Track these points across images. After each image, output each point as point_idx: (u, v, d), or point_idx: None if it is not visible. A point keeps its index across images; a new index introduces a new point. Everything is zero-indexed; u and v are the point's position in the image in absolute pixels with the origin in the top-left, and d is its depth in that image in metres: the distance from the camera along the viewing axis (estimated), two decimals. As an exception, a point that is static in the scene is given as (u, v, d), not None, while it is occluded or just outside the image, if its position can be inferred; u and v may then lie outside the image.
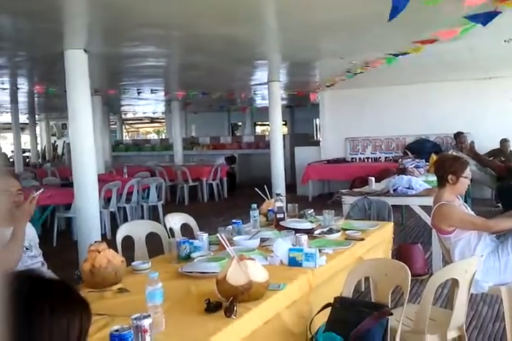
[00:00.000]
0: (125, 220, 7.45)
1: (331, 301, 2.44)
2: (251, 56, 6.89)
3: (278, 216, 3.83)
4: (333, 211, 3.94)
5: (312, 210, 4.23)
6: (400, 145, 10.73)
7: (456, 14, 4.19)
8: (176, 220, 4.02)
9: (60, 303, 1.12)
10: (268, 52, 6.81)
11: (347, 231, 3.64)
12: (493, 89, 9.77)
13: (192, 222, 4.15)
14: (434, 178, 4.42)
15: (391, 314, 2.30)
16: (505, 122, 9.55)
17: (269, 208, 4.13)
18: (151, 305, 1.96)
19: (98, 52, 5.87)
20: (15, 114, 13.26)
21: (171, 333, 1.92)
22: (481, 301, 4.09)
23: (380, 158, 11.06)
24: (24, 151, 16.17)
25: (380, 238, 3.84)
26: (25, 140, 17.46)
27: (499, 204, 7.88)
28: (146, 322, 1.74)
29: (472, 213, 3.43)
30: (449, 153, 7.82)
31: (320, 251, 2.95)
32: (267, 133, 15.22)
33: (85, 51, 5.49)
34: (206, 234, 3.26)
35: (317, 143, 12.60)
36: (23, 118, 15.68)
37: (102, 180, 6.84)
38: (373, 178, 6.05)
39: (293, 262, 2.79)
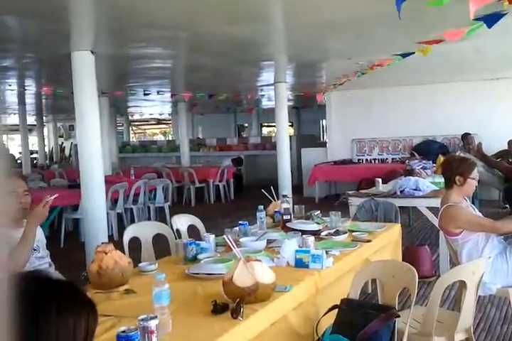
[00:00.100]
0: (132, 221, 7.47)
1: (338, 303, 2.43)
2: (257, 57, 6.89)
3: (285, 217, 3.83)
4: (339, 212, 3.93)
5: (319, 212, 4.22)
6: (406, 147, 10.69)
7: (462, 15, 4.17)
8: (182, 221, 4.03)
9: (67, 304, 1.12)
10: (274, 53, 6.81)
11: (354, 233, 3.63)
12: (501, 90, 9.73)
13: (199, 223, 4.15)
14: (441, 179, 4.41)
15: (398, 316, 2.28)
16: (513, 123, 9.51)
17: (276, 209, 4.12)
18: (157, 306, 1.96)
19: (105, 53, 5.89)
20: (22, 116, 13.33)
21: (177, 334, 1.92)
22: (488, 303, 4.07)
23: (386, 159, 11.03)
24: (32, 153, 16.26)
25: (387, 239, 3.82)
26: (33, 141, 17.55)
27: (507, 206, 7.83)
28: (152, 323, 1.74)
29: (480, 214, 3.41)
30: (457, 154, 7.78)
31: (327, 252, 2.95)
32: (274, 135, 15.23)
33: (92, 52, 5.51)
34: (213, 236, 3.26)
35: (324, 145, 12.59)
36: (31, 119, 15.76)
37: (109, 181, 6.86)
38: (380, 179, 6.03)
39: (300, 264, 2.79)
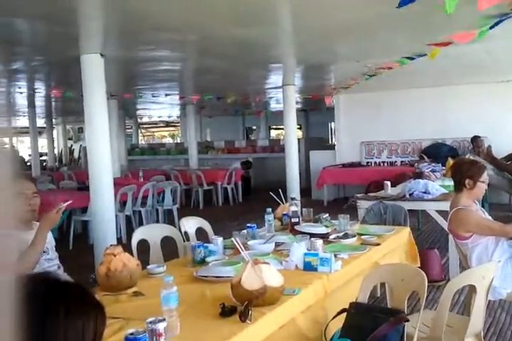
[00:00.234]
0: (140, 224, 7.48)
1: (347, 307, 2.42)
2: (266, 59, 6.90)
3: (293, 220, 3.82)
4: (348, 215, 3.91)
5: (327, 215, 4.21)
6: (416, 150, 10.65)
7: (471, 17, 4.16)
8: (191, 224, 4.03)
9: (76, 306, 1.12)
10: (283, 55, 6.81)
11: (362, 236, 3.61)
12: (512, 93, 9.67)
13: (207, 226, 4.15)
14: (450, 183, 4.37)
15: (407, 320, 2.27)
16: (524, 126, 9.45)
17: (284, 212, 4.12)
18: (166, 308, 1.96)
19: (114, 56, 5.92)
20: (32, 118, 13.42)
21: (185, 337, 1.92)
22: (499, 308, 4.03)
23: (395, 162, 10.99)
24: (41, 155, 16.37)
25: (396, 243, 3.80)
26: (43, 144, 17.66)
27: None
28: (160, 326, 1.74)
29: (490, 218, 3.38)
30: (466, 157, 7.74)
31: (335, 255, 2.93)
32: (282, 137, 15.23)
33: (101, 55, 5.54)
34: (221, 238, 3.26)
35: (332, 147, 12.57)
36: (41, 122, 15.86)
37: (117, 183, 6.88)
38: (389, 182, 6.00)
39: (308, 267, 2.78)
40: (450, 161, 6.87)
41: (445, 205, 4.01)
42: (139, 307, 2.26)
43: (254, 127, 20.43)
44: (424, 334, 2.53)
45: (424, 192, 5.25)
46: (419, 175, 6.54)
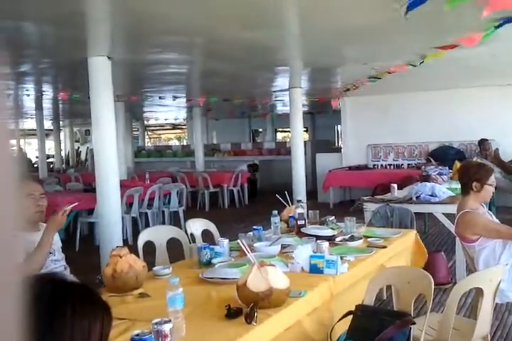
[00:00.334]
0: (147, 226, 7.49)
1: (353, 309, 2.41)
2: (273, 62, 6.90)
3: (299, 222, 3.81)
4: (354, 218, 3.91)
5: (333, 217, 4.20)
6: (422, 152, 10.62)
7: (478, 19, 4.14)
8: (197, 226, 4.03)
9: (82, 306, 1.12)
10: (290, 58, 6.81)
11: (369, 239, 3.60)
12: (519, 96, 9.63)
13: (213, 227, 4.15)
14: (457, 186, 4.36)
15: (414, 323, 2.26)
16: (531, 129, 9.40)
17: (290, 215, 4.11)
18: (171, 310, 1.96)
19: (121, 59, 5.94)
20: (39, 120, 13.49)
21: (191, 338, 1.92)
22: (506, 311, 4.01)
23: (402, 165, 10.96)
24: (48, 157, 16.45)
25: (403, 246, 3.79)
26: (50, 146, 17.74)
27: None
28: (166, 327, 1.74)
29: (497, 221, 3.37)
30: (473, 160, 7.70)
31: (341, 258, 2.93)
32: (288, 140, 15.23)
33: (108, 58, 5.56)
34: (227, 240, 3.26)
35: (338, 150, 12.55)
36: (48, 124, 15.94)
37: (124, 185, 6.90)
38: (395, 185, 5.99)
39: (314, 269, 2.77)
40: (457, 164, 6.85)
41: (452, 208, 4.00)
42: (145, 308, 2.26)
43: (261, 130, 20.44)
44: (431, 337, 2.51)
45: (431, 195, 5.23)
46: (426, 178, 6.52)
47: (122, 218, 6.17)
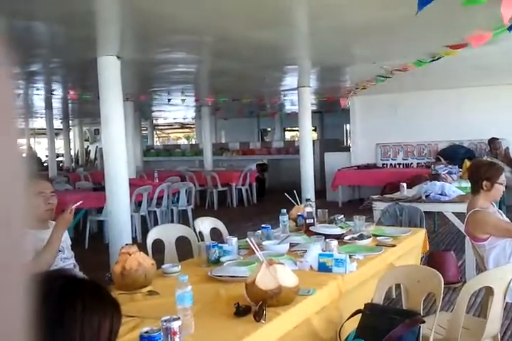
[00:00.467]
0: (155, 224, 7.52)
1: (361, 308, 2.41)
2: (281, 61, 6.89)
3: (308, 221, 3.81)
4: (363, 217, 3.89)
5: (342, 216, 4.19)
6: (432, 151, 10.56)
7: (490, 18, 4.12)
8: (205, 224, 4.04)
9: (92, 302, 1.13)
10: (298, 57, 6.80)
11: (378, 238, 3.59)
12: (530, 94, 9.56)
13: (221, 226, 4.16)
14: (467, 184, 4.34)
15: (423, 322, 2.25)
16: (542, 128, 9.33)
17: (299, 213, 4.11)
18: (180, 307, 1.97)
19: (130, 58, 5.96)
20: (49, 120, 13.57)
21: (200, 336, 1.92)
22: (516, 310, 3.98)
23: (411, 163, 10.91)
24: (58, 156, 16.53)
25: (412, 244, 3.77)
26: (59, 145, 17.83)
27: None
28: (175, 325, 1.74)
29: (507, 220, 3.34)
30: (484, 159, 7.66)
31: (350, 256, 2.92)
32: (297, 139, 15.22)
33: (118, 57, 5.58)
34: (235, 239, 3.26)
35: (347, 149, 12.52)
36: (57, 123, 16.03)
37: (133, 184, 6.93)
38: (405, 184, 5.96)
39: (323, 268, 2.77)
40: (467, 163, 6.81)
41: (462, 207, 3.98)
42: (154, 305, 2.27)
43: (269, 129, 20.43)
44: (440, 336, 2.51)
45: (441, 194, 5.21)
46: (436, 177, 6.49)
47: (131, 216, 6.20)
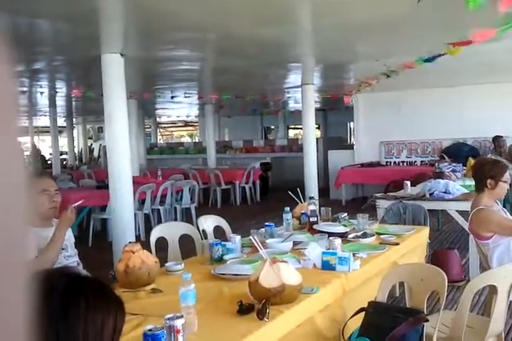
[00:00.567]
0: (159, 222, 7.53)
1: (365, 306, 2.40)
2: (285, 59, 6.89)
3: (311, 219, 3.80)
4: (367, 215, 3.89)
5: (346, 214, 4.18)
6: (436, 149, 10.54)
7: (494, 15, 4.09)
8: (208, 222, 4.04)
9: (96, 299, 1.13)
10: (302, 54, 6.79)
11: (381, 236, 3.58)
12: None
13: (224, 224, 4.16)
14: (471, 182, 4.32)
15: (427, 320, 2.24)
16: (546, 126, 9.29)
17: (303, 211, 4.10)
18: (184, 305, 1.97)
19: (134, 56, 5.96)
20: (53, 118, 13.61)
21: (203, 334, 1.92)
22: (520, 309, 3.97)
23: (415, 161, 10.89)
24: (62, 154, 16.57)
25: (416, 243, 3.76)
26: (63, 143, 17.87)
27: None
28: (178, 323, 1.74)
29: (511, 218, 3.33)
30: (488, 157, 7.63)
31: (354, 255, 2.91)
32: (300, 137, 15.22)
33: (121, 55, 5.58)
34: (239, 237, 3.26)
35: (351, 147, 12.50)
36: (61, 121, 16.07)
37: (136, 182, 6.93)
38: (409, 182, 5.95)
39: (326, 266, 2.76)
40: (471, 161, 6.80)
41: (466, 205, 3.96)
42: (157, 303, 2.27)
43: (273, 127, 20.42)
44: (444, 334, 2.50)
45: (445, 192, 5.20)
46: (440, 175, 6.47)
47: (135, 214, 6.21)
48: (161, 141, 23.31)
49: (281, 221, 3.92)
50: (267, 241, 3.32)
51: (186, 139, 27.19)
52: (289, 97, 12.18)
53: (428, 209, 4.83)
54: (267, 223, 3.67)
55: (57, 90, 9.60)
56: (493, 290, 2.54)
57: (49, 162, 17.09)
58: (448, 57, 6.02)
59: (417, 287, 2.55)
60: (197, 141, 21.06)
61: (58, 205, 2.80)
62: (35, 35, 5.17)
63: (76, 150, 19.35)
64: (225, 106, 13.91)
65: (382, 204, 5.16)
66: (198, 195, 9.24)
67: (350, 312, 2.46)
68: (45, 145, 22.37)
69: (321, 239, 3.28)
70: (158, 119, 20.36)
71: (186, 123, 23.82)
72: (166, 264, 2.86)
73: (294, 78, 8.88)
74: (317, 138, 11.51)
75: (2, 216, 0.38)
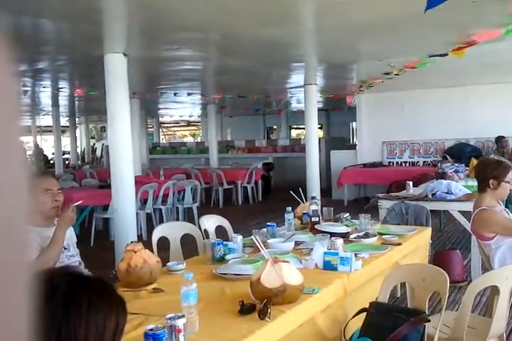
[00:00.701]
0: (161, 221, 7.53)
1: (366, 306, 2.40)
2: (288, 59, 6.89)
3: (313, 219, 3.80)
4: (369, 215, 3.88)
5: (348, 214, 4.18)
6: (438, 150, 10.53)
7: (498, 15, 4.09)
8: (210, 222, 4.04)
9: (98, 299, 1.13)
10: (305, 54, 6.79)
11: (383, 236, 3.58)
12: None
13: (226, 224, 4.16)
14: (474, 183, 4.32)
15: (428, 321, 2.24)
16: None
17: (304, 211, 4.10)
18: (185, 305, 1.97)
19: (137, 55, 5.97)
20: (56, 117, 13.62)
21: (204, 334, 1.92)
22: (522, 310, 3.96)
23: (418, 162, 10.88)
24: (64, 153, 16.58)
25: (418, 243, 3.76)
26: (66, 142, 17.90)
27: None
28: (180, 322, 1.74)
29: (514, 219, 3.33)
30: (491, 157, 7.62)
31: (356, 255, 2.91)
32: (303, 137, 15.22)
33: (124, 55, 5.59)
34: (240, 236, 3.26)
35: (353, 147, 12.49)
36: (64, 121, 16.09)
37: (139, 182, 6.94)
38: (411, 183, 5.94)
39: (328, 266, 2.76)
40: (474, 161, 6.79)
41: (468, 206, 3.96)
42: (159, 303, 2.27)
43: (275, 127, 20.42)
44: (446, 335, 2.50)
45: (447, 193, 5.19)
46: (442, 176, 6.47)
47: (137, 214, 6.21)
48: (164, 141, 23.34)
49: (283, 221, 3.92)
50: (269, 241, 3.32)
51: (189, 139, 27.20)
52: (291, 97, 12.17)
53: (430, 210, 4.82)
54: (268, 223, 3.67)
55: (60, 90, 9.61)
56: (494, 290, 2.54)
57: (51, 161, 17.13)
58: (451, 57, 6.03)
59: (418, 287, 2.54)
60: (199, 140, 21.07)
61: (60, 205, 2.80)
62: (39, 34, 5.18)
63: (79, 150, 19.38)
64: (227, 106, 13.92)
65: (385, 205, 5.16)
66: (200, 195, 9.24)
67: (352, 313, 2.45)
68: (47, 145, 22.41)
69: (323, 239, 3.28)
70: (160, 119, 20.38)
71: (189, 123, 23.84)
72: (168, 264, 2.86)
73: (296, 78, 8.87)
74: (319, 138, 11.48)
75: (4, 215, 0.38)
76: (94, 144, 21.12)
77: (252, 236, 2.91)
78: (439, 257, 4.76)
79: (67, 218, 2.72)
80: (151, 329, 1.70)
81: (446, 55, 5.88)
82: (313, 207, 3.89)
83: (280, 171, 13.89)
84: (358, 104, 11.40)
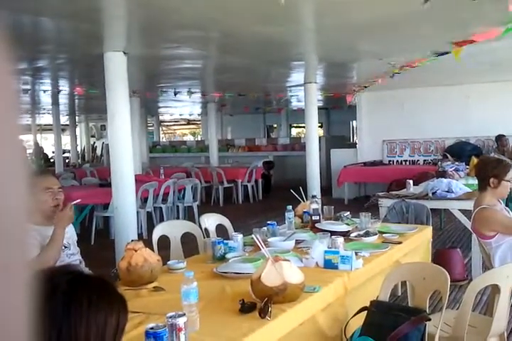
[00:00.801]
0: (161, 220, 7.53)
1: (367, 305, 2.40)
2: (288, 57, 6.88)
3: (314, 218, 3.80)
4: (369, 213, 3.88)
5: (348, 213, 4.18)
6: (439, 148, 10.53)
7: (499, 13, 4.08)
8: (211, 221, 4.04)
9: (99, 298, 1.13)
10: (305, 53, 6.78)
11: (384, 235, 3.58)
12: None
13: (227, 222, 4.16)
14: (474, 182, 4.32)
15: (429, 319, 2.24)
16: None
17: (305, 210, 4.10)
18: (186, 303, 1.97)
19: (137, 54, 5.96)
20: (56, 116, 13.61)
21: (205, 332, 1.92)
22: (523, 308, 3.96)
23: (418, 160, 10.88)
24: (64, 152, 16.58)
25: (418, 241, 3.76)
26: (66, 141, 17.89)
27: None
28: (181, 321, 1.74)
29: (514, 217, 3.32)
30: (491, 155, 7.62)
31: (356, 254, 2.91)
32: (303, 136, 15.22)
33: (124, 53, 5.58)
34: (241, 235, 3.26)
35: (353, 146, 12.49)
36: (64, 119, 16.08)
37: (139, 180, 6.94)
38: (411, 181, 5.94)
39: (329, 264, 2.76)
40: (474, 160, 6.78)
41: (468, 204, 3.96)
42: (160, 302, 2.27)
43: (275, 125, 20.41)
44: (446, 333, 2.50)
45: (448, 191, 5.19)
46: (443, 174, 6.47)
47: (137, 213, 6.21)
48: (164, 139, 23.32)
49: (284, 219, 3.92)
50: (269, 239, 3.32)
51: (189, 137, 27.20)
52: (291, 95, 12.16)
53: (431, 208, 4.82)
54: (269, 221, 3.67)
55: (60, 88, 9.60)
56: (495, 289, 2.54)
57: (52, 160, 17.13)
58: (451, 56, 6.02)
59: (419, 286, 2.54)
60: (199, 139, 21.06)
61: (61, 203, 2.80)
62: (39, 33, 5.17)
63: (79, 149, 19.38)
64: (227, 105, 13.90)
65: (385, 203, 5.15)
66: (200, 194, 9.24)
67: (352, 311, 2.46)
68: (47, 143, 22.40)
69: (324, 237, 3.27)
70: (160, 117, 20.37)
71: (189, 122, 23.82)
72: (168, 262, 2.86)
73: (296, 77, 8.86)
74: (320, 137, 11.48)
75: (3, 214, 0.37)
76: (94, 143, 21.12)
77: (253, 235, 2.90)
78: (439, 256, 4.76)
79: (65, 217, 2.72)
80: (151, 328, 1.70)
81: (449, 52, 5.87)
82: (314, 206, 3.89)
83: (280, 170, 13.88)
84: (358, 103, 11.39)
